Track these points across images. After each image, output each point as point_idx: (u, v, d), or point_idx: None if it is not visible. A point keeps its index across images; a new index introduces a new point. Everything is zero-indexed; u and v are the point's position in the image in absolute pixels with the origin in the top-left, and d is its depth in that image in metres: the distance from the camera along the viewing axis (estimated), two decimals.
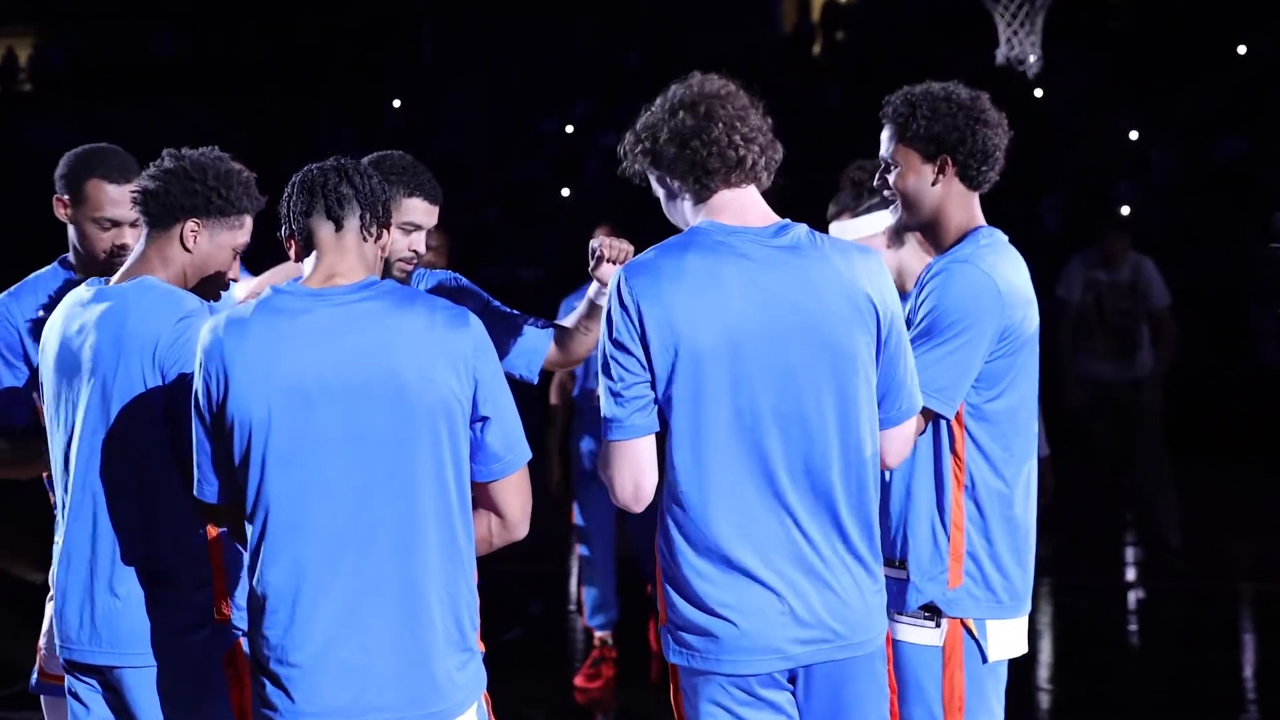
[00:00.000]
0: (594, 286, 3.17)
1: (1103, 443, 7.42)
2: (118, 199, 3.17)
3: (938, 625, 2.71)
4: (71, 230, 3.24)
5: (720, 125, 2.47)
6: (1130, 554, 7.84)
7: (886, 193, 2.83)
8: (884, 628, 2.55)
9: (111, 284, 2.81)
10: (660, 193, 2.57)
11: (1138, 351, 7.32)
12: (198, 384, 2.46)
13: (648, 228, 5.01)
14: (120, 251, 3.20)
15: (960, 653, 2.71)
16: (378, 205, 2.48)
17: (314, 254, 2.48)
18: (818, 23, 19.94)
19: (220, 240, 2.78)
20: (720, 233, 2.46)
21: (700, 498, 2.44)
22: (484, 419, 2.45)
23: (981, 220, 2.81)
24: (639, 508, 2.49)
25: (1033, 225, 12.93)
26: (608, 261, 3.07)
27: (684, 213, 2.54)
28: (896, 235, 3.32)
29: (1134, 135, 14.04)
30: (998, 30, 7.47)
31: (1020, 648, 2.80)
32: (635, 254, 2.82)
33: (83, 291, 2.83)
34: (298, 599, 2.39)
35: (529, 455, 2.54)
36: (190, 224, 2.75)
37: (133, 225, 3.19)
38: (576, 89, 18.36)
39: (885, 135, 2.82)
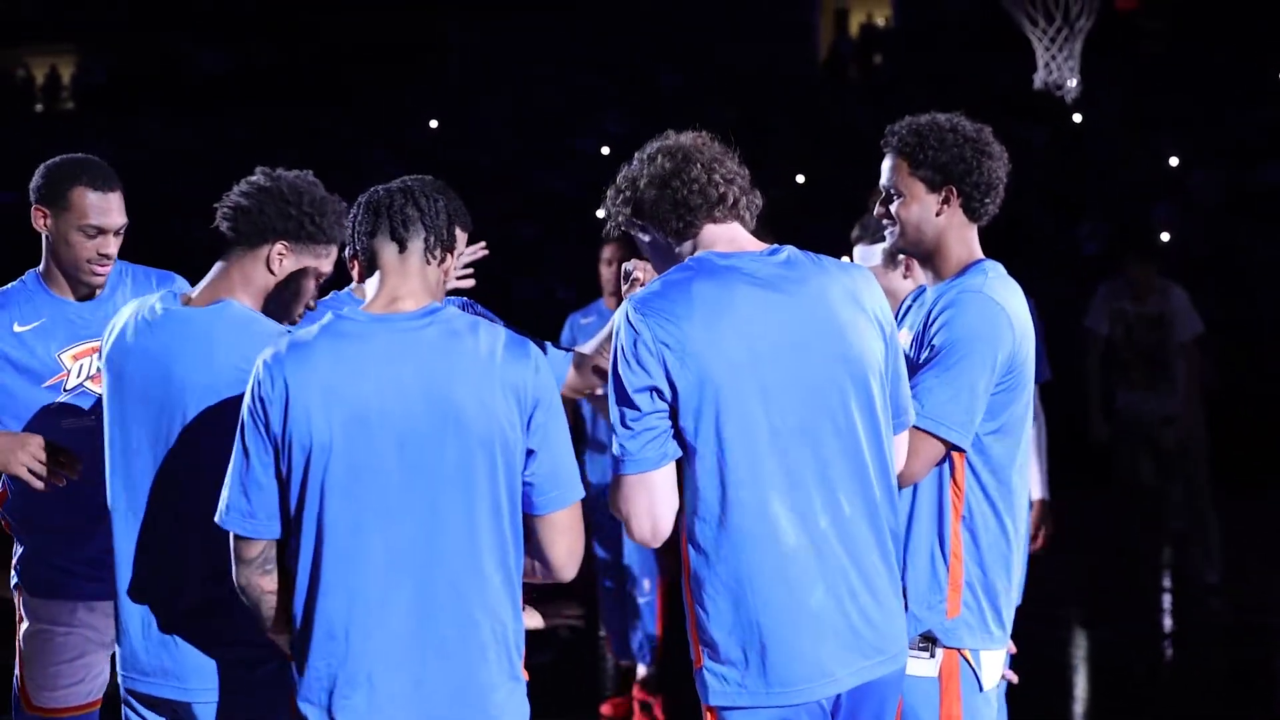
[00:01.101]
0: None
1: (1134, 479, 7.14)
2: (102, 206, 3.16)
3: (932, 655, 2.71)
4: (48, 241, 3.21)
5: (699, 166, 2.50)
6: (1167, 590, 7.70)
7: (886, 221, 2.85)
8: (905, 637, 2.56)
9: (191, 303, 2.70)
10: (646, 245, 2.59)
11: (1170, 384, 7.06)
12: (252, 408, 2.39)
13: None
14: (104, 260, 3.17)
15: (957, 682, 2.71)
16: (442, 228, 2.47)
17: (377, 275, 2.46)
18: (855, 45, 19.92)
19: (305, 266, 2.72)
20: (720, 258, 2.48)
21: (733, 521, 2.41)
22: (533, 451, 2.42)
23: (980, 253, 2.83)
24: (657, 543, 2.46)
25: (1071, 250, 12.85)
26: (641, 285, 3.05)
27: (668, 257, 2.56)
28: (891, 258, 3.39)
29: (1174, 159, 13.94)
30: (1036, 54, 7.42)
31: (999, 678, 2.83)
32: None
33: (156, 308, 2.69)
34: (351, 629, 2.36)
35: (580, 494, 2.48)
36: (279, 246, 2.68)
37: (116, 234, 3.19)
38: (611, 107, 18.40)
39: (888, 164, 2.83)
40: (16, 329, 3.18)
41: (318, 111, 19.56)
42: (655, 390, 2.40)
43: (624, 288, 3.10)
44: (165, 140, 19.12)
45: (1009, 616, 2.80)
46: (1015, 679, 2.92)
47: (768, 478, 2.41)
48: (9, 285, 3.28)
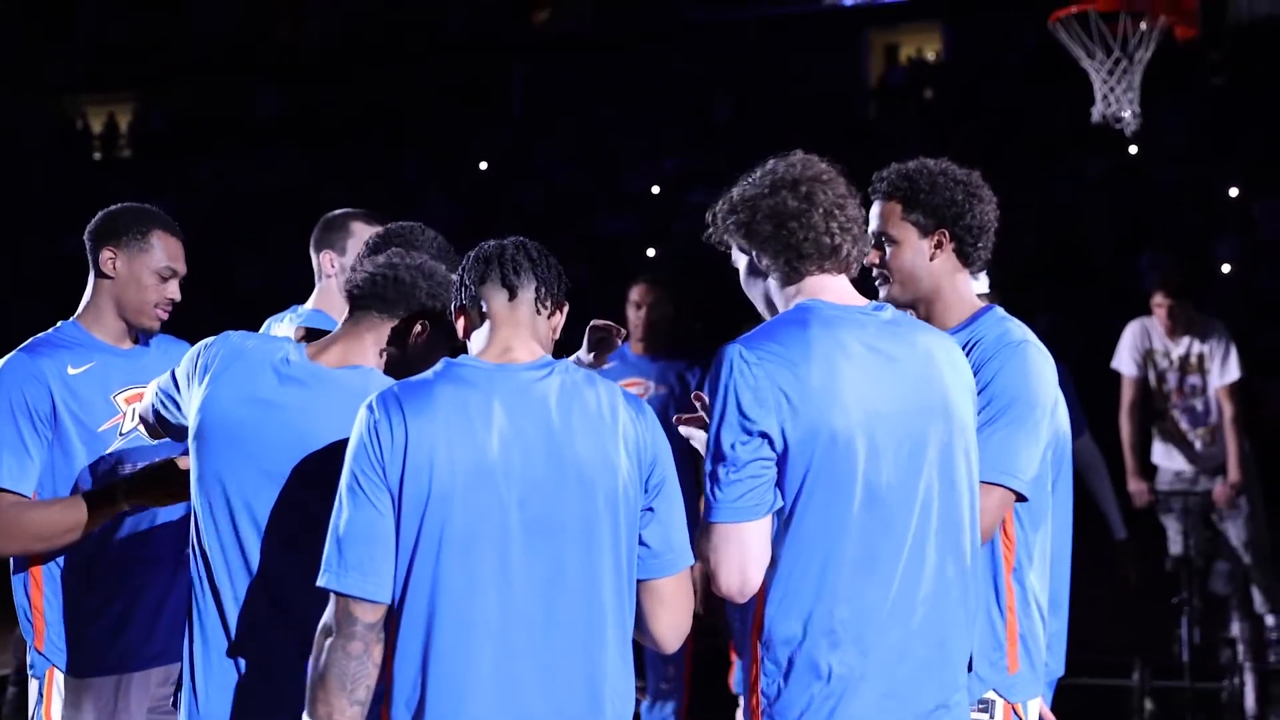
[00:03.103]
0: (585, 353, 3.07)
1: (1178, 553, 6.26)
2: (176, 252, 3.24)
3: (989, 714, 2.64)
4: (108, 285, 3.19)
5: (820, 210, 2.41)
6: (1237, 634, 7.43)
7: (876, 270, 2.76)
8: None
9: (320, 362, 2.54)
10: (741, 265, 2.51)
11: (1211, 435, 6.30)
12: (366, 454, 2.22)
13: (728, 287, 4.92)
14: (169, 305, 3.20)
15: None
16: (553, 281, 2.41)
17: (486, 325, 2.38)
18: (905, 78, 19.83)
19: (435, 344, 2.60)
20: (830, 309, 2.40)
21: (831, 578, 2.31)
22: (651, 510, 2.35)
23: (976, 299, 2.76)
24: (742, 599, 2.34)
25: (1131, 284, 12.63)
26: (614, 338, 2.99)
27: (766, 290, 2.48)
28: None
29: (1234, 192, 13.69)
30: (1093, 87, 7.29)
31: None
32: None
33: (284, 360, 2.52)
34: (467, 697, 2.21)
35: (690, 560, 2.40)
36: (421, 324, 2.58)
37: (180, 280, 3.22)
38: (664, 146, 18.39)
39: (876, 210, 2.77)
40: (70, 371, 3.15)
41: (375, 153, 19.70)
42: (765, 437, 2.29)
43: (591, 342, 3.01)
44: (223, 185, 19.31)
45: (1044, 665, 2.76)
46: None
47: (868, 535, 2.32)
48: (45, 334, 3.24)
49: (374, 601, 2.23)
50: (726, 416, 2.30)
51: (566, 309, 2.46)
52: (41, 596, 3.18)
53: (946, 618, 2.37)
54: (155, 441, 3.05)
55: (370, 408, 2.25)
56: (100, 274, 3.22)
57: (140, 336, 3.28)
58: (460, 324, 2.41)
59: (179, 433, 2.69)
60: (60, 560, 3.15)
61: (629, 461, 2.30)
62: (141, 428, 3.10)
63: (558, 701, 2.25)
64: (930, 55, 21.13)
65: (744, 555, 2.30)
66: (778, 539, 2.32)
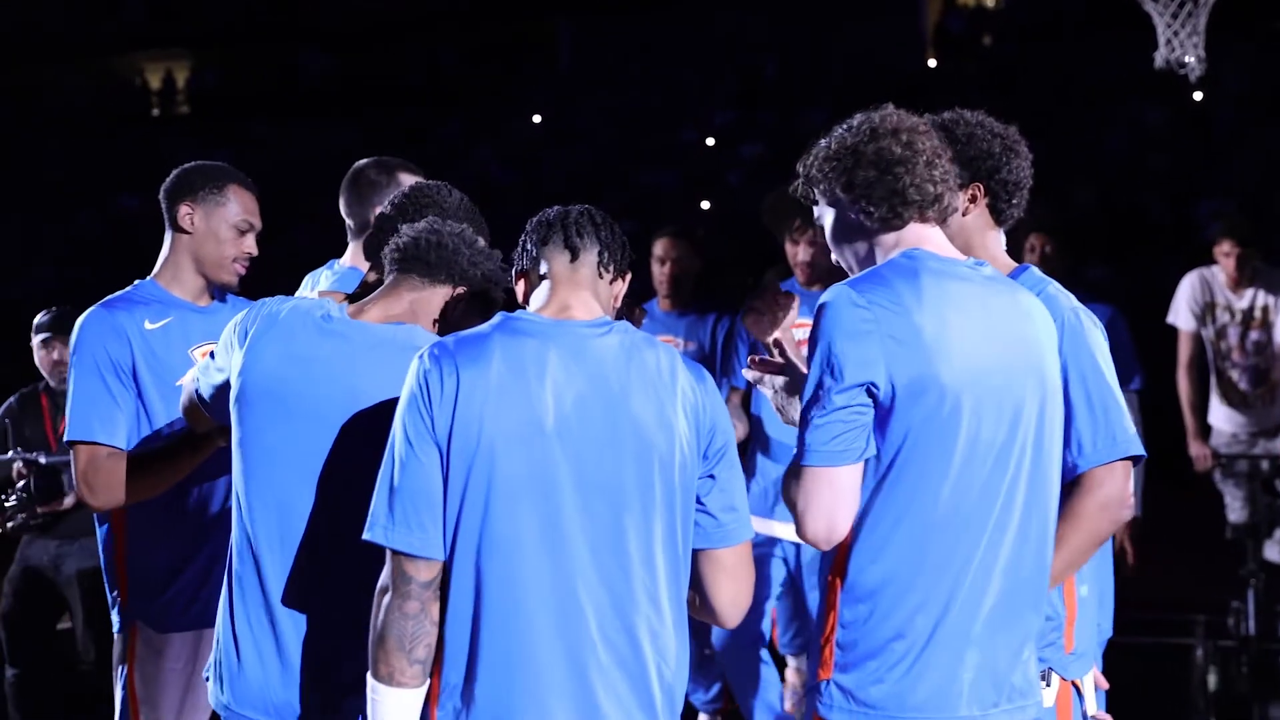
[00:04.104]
0: None
1: (1239, 520, 5.94)
2: (253, 206, 3.25)
3: (1049, 684, 2.57)
4: (187, 241, 3.21)
5: (923, 158, 2.34)
6: None
7: None
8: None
9: (361, 319, 2.50)
10: (828, 219, 2.42)
11: (1272, 394, 5.97)
12: (416, 406, 2.16)
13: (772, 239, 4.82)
14: (247, 259, 3.23)
15: (1069, 714, 2.59)
16: (617, 248, 2.34)
17: (545, 285, 2.31)
18: (965, 25, 19.55)
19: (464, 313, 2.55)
20: (935, 260, 2.32)
21: (921, 534, 2.25)
22: (712, 476, 2.27)
23: (1009, 259, 2.64)
24: (827, 546, 2.28)
25: (1191, 235, 12.41)
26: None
27: (862, 241, 2.38)
28: None
29: None
30: (1157, 31, 7.10)
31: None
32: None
33: (325, 318, 2.48)
34: (518, 658, 2.15)
35: (751, 532, 2.33)
36: (460, 292, 2.54)
37: (254, 231, 3.23)
38: (715, 99, 18.26)
39: None
40: (148, 326, 3.16)
41: (423, 113, 19.71)
42: (869, 383, 2.21)
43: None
44: (277, 145, 19.39)
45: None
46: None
47: (962, 494, 2.25)
48: (123, 291, 3.25)
49: (426, 558, 2.16)
50: (831, 360, 2.22)
51: (629, 280, 2.40)
52: (126, 554, 3.21)
53: (1024, 581, 2.32)
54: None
55: (422, 358, 2.20)
56: (178, 230, 3.21)
57: (216, 294, 3.29)
58: (520, 287, 2.35)
59: (224, 408, 2.60)
60: (145, 518, 3.17)
61: (688, 426, 2.24)
62: (188, 419, 3.01)
63: (607, 666, 2.18)
64: (990, 3, 20.82)
65: (834, 501, 2.23)
66: (870, 488, 2.25)
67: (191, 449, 3.05)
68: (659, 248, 5.07)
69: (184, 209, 3.20)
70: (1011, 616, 2.32)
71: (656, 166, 17.08)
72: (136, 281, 3.26)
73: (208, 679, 2.54)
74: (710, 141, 17.40)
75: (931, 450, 2.24)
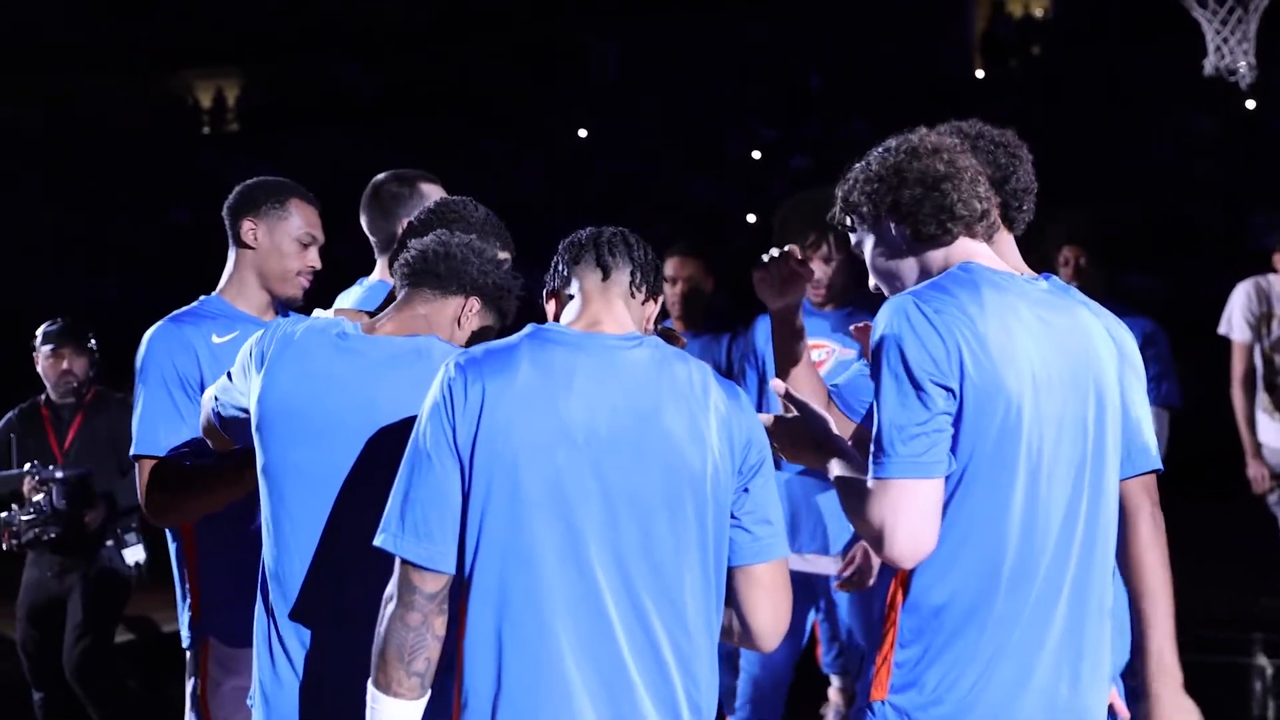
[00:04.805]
0: None
1: None
2: (315, 220, 3.27)
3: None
4: (250, 256, 3.23)
5: (967, 175, 2.33)
6: None
7: None
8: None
9: (383, 334, 2.50)
10: (868, 245, 2.38)
11: None
12: (438, 413, 2.14)
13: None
14: (310, 272, 3.25)
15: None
16: (650, 270, 2.32)
17: (577, 301, 2.29)
18: (1014, 32, 19.43)
19: (485, 327, 2.56)
20: (992, 272, 2.29)
21: (991, 551, 2.19)
22: (747, 490, 2.22)
23: (1025, 265, 2.59)
24: (912, 564, 2.18)
25: (1242, 244, 12.27)
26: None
27: (907, 263, 2.34)
28: None
29: None
30: (1206, 38, 7.02)
31: None
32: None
33: (340, 335, 2.47)
34: (544, 682, 2.10)
35: (787, 549, 2.27)
36: (474, 303, 2.54)
37: (317, 244, 3.25)
38: (759, 111, 18.23)
39: None
40: (215, 340, 3.16)
41: (466, 125, 19.80)
42: (947, 390, 2.16)
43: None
44: (323, 158, 19.54)
45: None
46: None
47: (1020, 507, 2.20)
48: (189, 306, 3.26)
49: (434, 570, 2.13)
50: (909, 368, 2.15)
51: (660, 302, 2.38)
52: (198, 567, 3.19)
53: (1088, 600, 2.28)
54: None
55: (448, 367, 2.18)
56: (242, 245, 3.23)
57: (279, 308, 3.31)
58: (551, 307, 2.33)
59: (242, 430, 2.62)
60: (216, 531, 3.15)
61: (720, 440, 2.19)
62: (207, 439, 3.01)
63: (637, 686, 2.12)
64: (1038, 13, 20.68)
65: (922, 515, 2.14)
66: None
67: (252, 464, 3.04)
68: (669, 267, 4.87)
69: (247, 224, 3.21)
70: (1074, 636, 2.27)
71: (701, 179, 17.07)
72: (202, 296, 3.27)
73: (251, 704, 2.53)
74: (756, 154, 17.37)
75: (1000, 463, 2.19)
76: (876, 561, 3.81)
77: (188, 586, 3.18)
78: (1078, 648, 2.27)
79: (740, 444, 2.22)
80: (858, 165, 2.39)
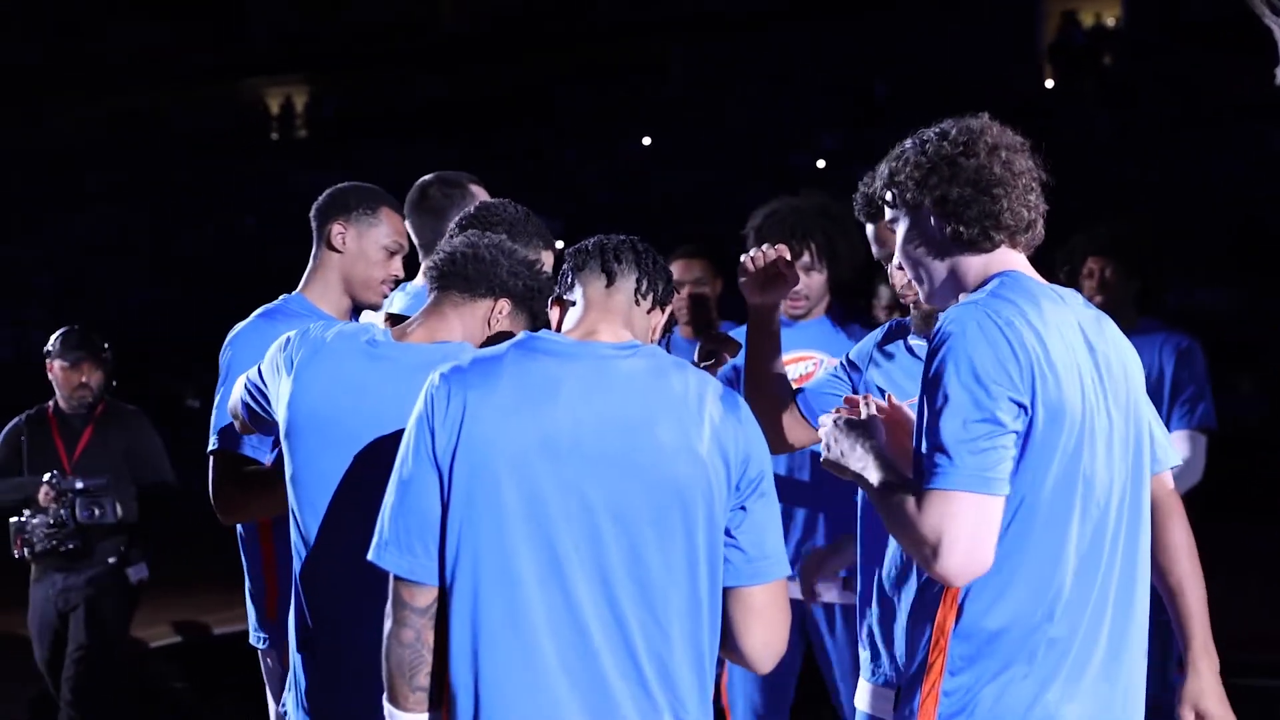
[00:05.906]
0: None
1: None
2: (401, 228, 3.27)
3: None
4: (337, 260, 3.23)
5: (1022, 181, 2.21)
6: None
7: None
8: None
9: (414, 340, 2.49)
10: (901, 229, 2.27)
11: None
12: (421, 426, 2.10)
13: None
14: (393, 280, 3.25)
15: None
16: (657, 278, 2.25)
17: (578, 309, 2.24)
18: (1085, 42, 19.22)
19: (516, 329, 2.52)
20: (1036, 284, 2.21)
21: (1049, 574, 2.12)
22: (741, 509, 2.14)
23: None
24: (963, 582, 2.08)
25: None
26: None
27: (941, 261, 2.25)
28: None
29: None
30: (1278, 46, 6.90)
31: None
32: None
33: (371, 342, 2.47)
34: (514, 694, 2.05)
35: (786, 571, 2.17)
36: (504, 304, 2.51)
37: (402, 253, 3.25)
38: (824, 120, 18.16)
39: None
40: None
41: (533, 134, 19.89)
42: (1020, 405, 2.07)
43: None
44: (390, 167, 19.71)
45: None
46: None
47: (1064, 530, 2.12)
48: (274, 304, 3.25)
49: (420, 584, 2.09)
50: (980, 380, 2.05)
51: (669, 312, 2.30)
52: (276, 565, 3.16)
53: (1128, 624, 2.22)
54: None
55: (433, 378, 2.13)
56: (329, 248, 3.22)
57: (353, 315, 3.28)
58: (555, 314, 2.28)
59: (268, 427, 2.61)
60: (291, 534, 3.16)
61: (716, 454, 2.10)
62: (235, 422, 2.99)
63: (622, 704, 2.06)
64: (1110, 21, 20.45)
65: (981, 532, 2.03)
66: (1004, 522, 2.09)
67: None
68: (675, 270, 4.55)
69: (336, 227, 3.21)
70: (1116, 661, 2.21)
71: (766, 189, 17.03)
72: (283, 296, 3.26)
73: (284, 713, 2.52)
74: (820, 163, 17.31)
75: (1065, 485, 2.11)
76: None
77: (263, 584, 3.16)
78: (1121, 672, 2.21)
79: (737, 459, 2.13)
80: (910, 143, 2.26)
